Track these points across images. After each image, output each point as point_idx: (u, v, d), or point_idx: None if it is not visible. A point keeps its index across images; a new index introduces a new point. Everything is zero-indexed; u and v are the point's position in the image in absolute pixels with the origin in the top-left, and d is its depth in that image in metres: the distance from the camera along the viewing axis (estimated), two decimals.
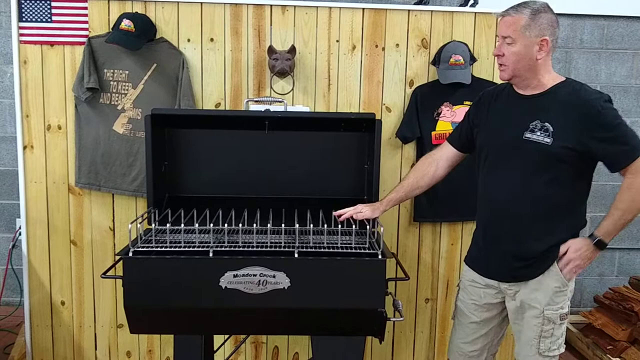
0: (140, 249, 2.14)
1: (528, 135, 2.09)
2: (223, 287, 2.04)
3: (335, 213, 2.38)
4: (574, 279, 2.19)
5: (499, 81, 2.32)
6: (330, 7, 2.99)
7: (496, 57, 2.15)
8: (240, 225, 2.29)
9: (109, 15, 2.93)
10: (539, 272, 2.13)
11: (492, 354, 2.44)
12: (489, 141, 2.24)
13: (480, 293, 2.32)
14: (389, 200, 2.42)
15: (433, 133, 2.98)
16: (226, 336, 2.98)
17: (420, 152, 3.02)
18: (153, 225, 2.39)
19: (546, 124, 2.06)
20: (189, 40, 2.97)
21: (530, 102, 2.14)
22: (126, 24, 2.80)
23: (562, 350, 2.22)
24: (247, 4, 2.97)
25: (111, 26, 2.91)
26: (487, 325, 2.36)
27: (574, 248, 2.11)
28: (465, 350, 2.40)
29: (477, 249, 2.34)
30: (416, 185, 2.43)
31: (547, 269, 2.12)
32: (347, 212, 2.36)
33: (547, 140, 2.05)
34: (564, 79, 2.16)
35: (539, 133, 2.07)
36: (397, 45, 3.03)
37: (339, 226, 2.30)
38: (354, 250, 2.18)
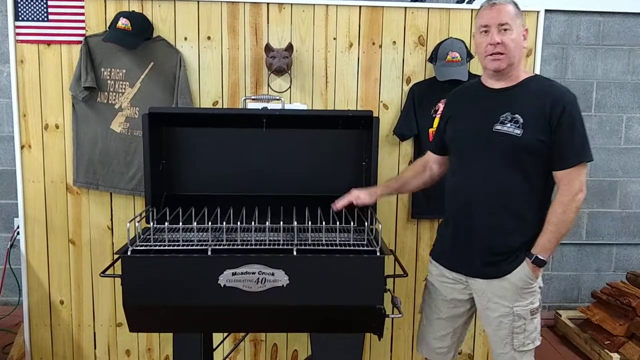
0: (138, 248, 2.13)
1: (498, 127, 2.09)
2: (222, 285, 2.04)
3: (332, 204, 2.37)
4: (540, 275, 2.19)
5: None
6: (327, 5, 3.00)
7: (488, 48, 2.09)
8: (239, 223, 2.29)
9: (105, 13, 2.93)
10: (508, 270, 2.13)
11: (457, 352, 2.45)
12: (459, 134, 2.24)
13: (447, 288, 2.31)
14: (386, 186, 2.43)
15: (430, 130, 2.99)
16: (225, 334, 2.99)
17: (418, 149, 3.03)
18: (151, 223, 2.39)
19: (516, 115, 2.07)
20: (186, 38, 2.97)
21: (500, 95, 2.15)
22: (123, 22, 2.80)
23: (538, 343, 2.22)
24: (244, 2, 2.97)
25: (108, 25, 2.91)
26: (454, 322, 2.35)
27: (517, 279, 2.13)
28: (434, 346, 2.40)
29: (446, 243, 2.31)
30: (411, 181, 2.46)
31: (516, 268, 2.12)
32: (345, 199, 2.35)
33: (517, 131, 2.05)
34: (534, 74, 2.20)
35: (509, 125, 2.07)
36: (394, 42, 3.04)
37: (337, 223, 2.30)
38: (352, 248, 2.18)
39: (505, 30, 2.07)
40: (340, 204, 2.36)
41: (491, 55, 2.10)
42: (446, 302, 2.33)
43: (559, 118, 2.02)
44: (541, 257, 2.09)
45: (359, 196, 2.35)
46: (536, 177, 2.09)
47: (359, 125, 2.62)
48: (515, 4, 2.11)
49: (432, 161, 2.45)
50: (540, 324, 2.24)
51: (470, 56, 2.98)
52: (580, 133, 2.06)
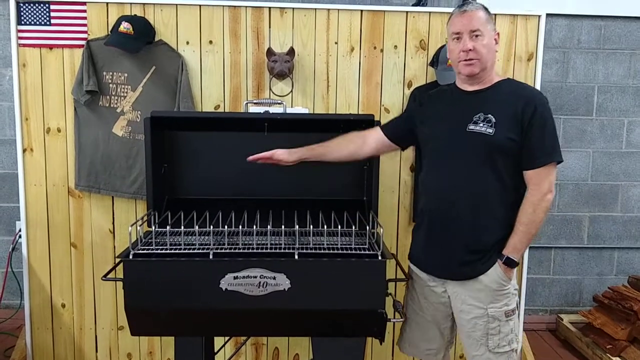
0: (140, 251, 2.14)
1: (471, 127, 2.11)
2: (223, 289, 2.05)
3: (249, 159, 2.33)
4: (514, 277, 2.20)
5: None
6: (328, 9, 3.00)
7: (461, 54, 2.12)
8: (240, 227, 2.29)
9: (107, 18, 2.94)
10: (482, 270, 2.14)
11: (448, 351, 2.44)
12: (433, 135, 2.25)
13: (429, 291, 2.31)
14: (310, 149, 2.38)
15: None
16: (226, 338, 2.99)
17: (419, 153, 3.02)
18: (153, 227, 2.39)
19: (489, 115, 2.10)
20: (187, 42, 2.98)
21: (474, 97, 2.18)
22: (125, 26, 2.81)
23: (515, 346, 2.21)
24: (246, 7, 2.98)
25: (110, 29, 2.92)
26: (440, 324, 2.34)
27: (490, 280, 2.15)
28: (423, 347, 2.38)
29: (420, 245, 2.31)
30: (338, 149, 2.40)
31: (488, 269, 2.13)
32: (262, 155, 2.32)
33: (490, 130, 2.08)
34: (506, 77, 2.24)
35: (482, 124, 2.10)
36: (396, 46, 3.04)
37: (339, 227, 2.30)
38: (354, 252, 2.19)
39: (476, 36, 2.09)
40: (255, 157, 2.32)
41: (464, 61, 2.13)
42: (429, 304, 2.32)
43: (530, 118, 2.06)
44: (512, 258, 2.11)
45: (276, 152, 2.32)
46: (509, 176, 2.11)
47: (361, 129, 2.62)
48: (486, 9, 2.14)
49: (373, 137, 2.41)
50: (520, 327, 2.24)
51: None
52: (551, 134, 2.09)
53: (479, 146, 2.10)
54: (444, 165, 2.20)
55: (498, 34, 2.17)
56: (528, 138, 2.06)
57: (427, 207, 2.28)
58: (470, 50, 2.09)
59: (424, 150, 2.32)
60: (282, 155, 2.32)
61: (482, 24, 2.09)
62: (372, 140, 2.41)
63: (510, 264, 2.11)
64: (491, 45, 2.12)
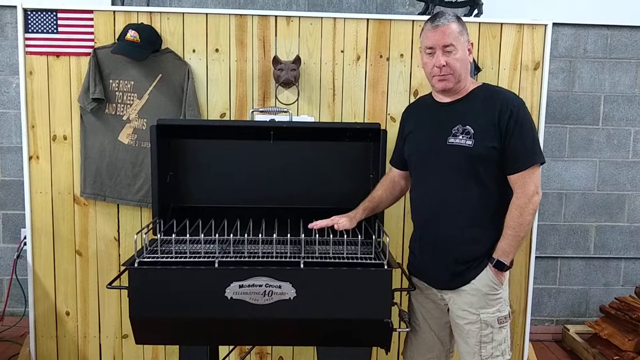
0: (145, 259, 2.14)
1: (451, 140, 2.13)
2: (229, 297, 2.04)
3: (310, 225, 2.35)
4: (506, 283, 2.20)
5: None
6: (334, 18, 3.01)
7: (435, 69, 2.13)
8: (246, 235, 2.29)
9: (114, 26, 2.95)
10: (472, 277, 2.15)
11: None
12: (415, 150, 2.28)
13: (426, 300, 2.33)
14: (365, 209, 2.42)
15: None
16: (231, 347, 2.97)
17: None
18: (158, 235, 2.38)
19: (467, 127, 2.11)
20: (194, 50, 2.99)
21: (450, 109, 2.19)
22: (131, 34, 2.82)
23: (507, 357, 2.21)
24: (252, 15, 2.99)
25: (117, 37, 2.93)
26: (439, 332, 2.34)
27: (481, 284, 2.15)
28: (423, 357, 2.38)
29: (417, 256, 2.34)
30: (385, 198, 2.47)
31: (479, 273, 2.14)
32: (323, 222, 2.34)
33: (469, 142, 2.09)
34: (480, 83, 2.23)
35: (461, 137, 2.11)
36: (402, 55, 3.04)
37: (345, 236, 2.29)
38: (359, 261, 2.18)
39: (449, 52, 2.10)
40: (317, 225, 2.34)
41: (438, 76, 2.14)
42: (427, 313, 2.34)
43: (507, 123, 2.06)
44: (502, 261, 2.11)
45: (338, 222, 2.34)
46: (492, 185, 2.12)
47: (366, 137, 2.62)
48: (459, 20, 2.14)
49: (397, 176, 2.48)
50: (510, 337, 2.24)
51: (477, 69, 2.99)
52: (530, 136, 2.09)
53: (460, 159, 2.11)
54: (426, 180, 2.23)
55: (472, 44, 2.18)
56: (508, 143, 2.07)
57: (415, 221, 2.33)
58: (443, 66, 2.11)
59: (409, 166, 2.35)
60: (345, 224, 2.33)
61: (454, 38, 2.10)
62: (399, 178, 2.48)
63: (500, 267, 2.12)
64: (464, 58, 2.13)
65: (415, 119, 2.33)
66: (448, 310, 2.28)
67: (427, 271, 2.29)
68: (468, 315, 2.18)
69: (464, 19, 3.04)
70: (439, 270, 2.22)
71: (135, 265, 2.09)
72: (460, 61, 2.11)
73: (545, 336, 4.16)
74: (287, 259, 2.16)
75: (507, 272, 2.17)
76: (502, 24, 3.02)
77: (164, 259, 2.16)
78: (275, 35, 3.00)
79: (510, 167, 2.09)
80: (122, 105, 2.96)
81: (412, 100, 3.05)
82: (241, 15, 2.98)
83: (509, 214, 2.10)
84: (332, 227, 2.34)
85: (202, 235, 2.33)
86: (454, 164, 2.13)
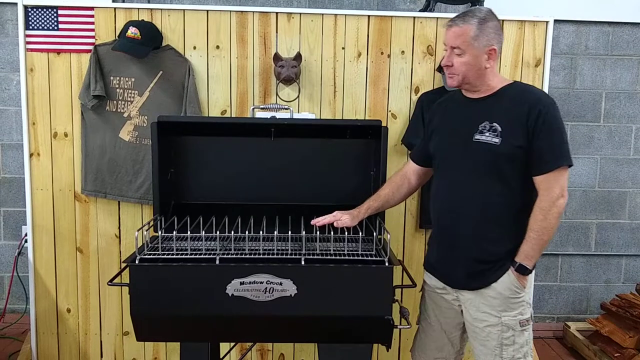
0: (146, 256, 2.13)
1: (477, 136, 2.10)
2: (230, 294, 2.04)
3: (312, 221, 2.34)
4: (529, 285, 2.17)
5: None
6: (335, 15, 3.00)
7: (445, 67, 2.15)
8: (247, 232, 2.29)
9: (115, 23, 2.95)
10: (493, 279, 2.12)
11: None
12: (440, 146, 2.26)
13: (440, 298, 2.30)
14: (368, 207, 2.40)
15: None
16: (232, 344, 2.97)
17: None
18: (159, 232, 2.39)
19: (494, 124, 2.08)
20: (195, 47, 2.98)
21: (478, 105, 2.16)
22: (132, 31, 2.81)
23: (529, 359, 2.19)
24: (253, 12, 2.98)
25: (117, 34, 2.93)
26: (450, 332, 2.33)
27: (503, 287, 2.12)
28: (433, 356, 2.37)
29: (434, 255, 2.32)
30: (392, 197, 2.43)
31: (501, 276, 2.11)
32: (325, 219, 2.33)
33: (496, 140, 2.06)
34: (511, 81, 2.20)
35: (487, 134, 2.08)
36: (403, 52, 3.04)
37: (346, 233, 2.29)
38: (360, 258, 2.17)
39: (457, 54, 2.09)
40: (320, 222, 2.33)
41: (448, 72, 2.15)
42: (440, 312, 2.32)
43: (535, 123, 2.02)
44: (525, 265, 2.08)
45: (340, 218, 2.33)
46: (517, 185, 2.09)
47: (367, 134, 2.62)
48: (484, 22, 2.07)
49: (410, 172, 2.45)
50: (532, 338, 2.21)
51: None
52: (559, 137, 2.05)
53: (485, 156, 2.08)
54: (450, 177, 2.20)
55: (494, 49, 2.09)
56: (535, 143, 2.03)
57: (435, 218, 2.29)
58: (449, 65, 2.12)
59: (433, 162, 2.31)
60: (346, 221, 2.32)
61: (464, 42, 2.06)
62: (411, 174, 2.44)
63: (523, 271, 2.08)
64: (473, 62, 2.08)
65: (443, 114, 2.31)
66: (461, 311, 2.26)
67: (444, 269, 2.26)
68: (488, 317, 2.15)
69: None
70: (457, 269, 2.18)
71: (137, 262, 2.09)
72: (466, 65, 2.08)
73: (547, 333, 4.16)
74: (288, 256, 2.16)
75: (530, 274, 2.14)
76: (503, 20, 3.01)
77: (165, 256, 2.15)
78: (276, 32, 3.00)
79: (536, 168, 2.05)
80: (123, 102, 2.95)
81: (413, 97, 3.05)
82: (242, 11, 2.98)
83: (532, 217, 2.06)
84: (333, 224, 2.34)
85: (203, 232, 2.33)
86: (479, 161, 2.10)
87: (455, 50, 2.08)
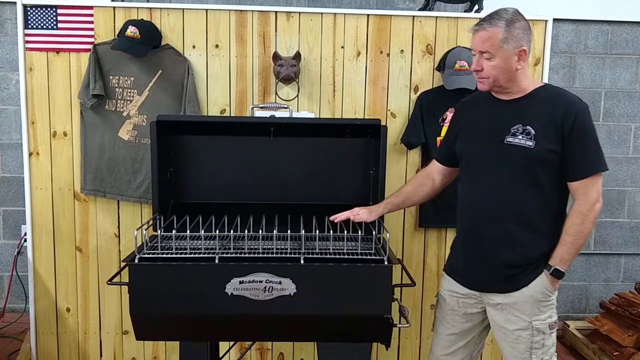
0: (146, 256, 2.13)
1: (510, 139, 2.08)
2: (229, 293, 2.04)
3: (331, 218, 2.36)
4: (557, 287, 2.16)
5: None
6: (335, 14, 3.00)
7: (474, 72, 2.13)
8: (246, 231, 2.29)
9: (114, 22, 2.95)
10: (524, 283, 2.11)
11: None
12: (470, 147, 2.23)
13: (459, 303, 2.28)
14: (388, 203, 2.40)
15: (438, 139, 2.98)
16: (231, 343, 2.98)
17: (426, 158, 3.02)
18: (159, 231, 2.39)
19: (528, 127, 2.06)
20: (194, 46, 2.98)
21: (511, 107, 2.13)
22: (132, 30, 2.81)
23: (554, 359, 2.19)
24: (252, 11, 2.98)
25: (117, 33, 2.93)
26: (466, 336, 2.32)
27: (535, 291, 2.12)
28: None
29: (459, 259, 2.29)
30: (414, 194, 2.43)
31: (533, 280, 2.10)
32: (343, 215, 2.34)
33: (529, 143, 2.04)
34: (543, 83, 2.18)
35: (520, 137, 2.06)
36: (402, 51, 3.04)
37: (345, 232, 2.29)
38: (360, 257, 2.17)
39: (486, 58, 2.06)
40: (338, 218, 2.34)
41: (477, 77, 2.13)
42: (458, 316, 2.30)
43: (570, 128, 2.00)
44: (560, 269, 2.07)
45: (358, 213, 2.33)
46: (549, 188, 2.07)
47: (367, 133, 2.62)
48: (511, 23, 2.04)
49: (435, 171, 2.43)
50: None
51: None
52: (594, 142, 2.04)
53: (518, 159, 2.06)
54: (480, 179, 2.18)
55: (524, 50, 2.05)
56: (571, 149, 2.01)
57: (463, 222, 2.27)
58: (479, 70, 2.09)
59: (460, 164, 2.29)
60: (364, 215, 2.32)
61: (492, 45, 2.03)
62: (436, 174, 2.42)
63: (558, 275, 2.08)
64: (503, 66, 2.05)
65: (471, 114, 2.28)
66: (482, 317, 2.26)
67: (471, 273, 2.23)
68: (519, 321, 2.13)
69: (465, 15, 3.06)
70: (486, 273, 2.17)
71: (136, 261, 2.09)
72: (496, 68, 2.05)
73: None
74: (288, 255, 2.16)
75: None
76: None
77: (164, 255, 2.15)
78: (276, 31, 3.00)
79: (573, 173, 2.04)
80: (122, 102, 2.95)
81: (413, 96, 3.05)
82: (241, 10, 2.98)
83: (569, 221, 2.06)
84: (333, 221, 2.34)
85: (203, 231, 2.33)
86: (511, 164, 2.08)
87: (484, 54, 2.06)
